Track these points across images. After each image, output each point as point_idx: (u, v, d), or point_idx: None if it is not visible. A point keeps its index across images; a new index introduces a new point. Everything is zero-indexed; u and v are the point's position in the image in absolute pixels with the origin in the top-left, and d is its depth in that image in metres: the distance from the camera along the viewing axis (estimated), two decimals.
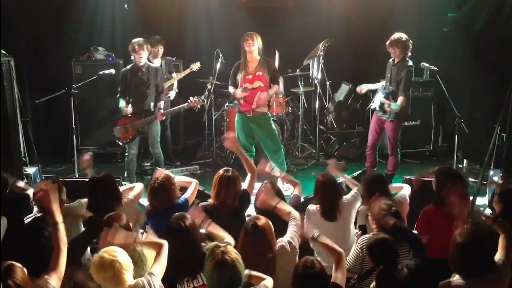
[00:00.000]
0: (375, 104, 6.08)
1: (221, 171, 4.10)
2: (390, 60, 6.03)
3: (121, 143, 6.26)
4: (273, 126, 6.16)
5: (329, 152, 7.66)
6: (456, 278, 2.98)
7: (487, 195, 5.75)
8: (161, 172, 4.26)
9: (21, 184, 4.58)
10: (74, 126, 6.19)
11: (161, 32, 7.17)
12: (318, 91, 7.50)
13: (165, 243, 3.20)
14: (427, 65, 6.18)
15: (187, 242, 3.27)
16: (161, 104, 6.21)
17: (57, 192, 3.01)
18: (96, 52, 7.38)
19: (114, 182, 4.25)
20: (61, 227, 2.93)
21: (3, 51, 5.77)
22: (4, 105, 5.54)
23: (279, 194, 4.19)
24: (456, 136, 5.80)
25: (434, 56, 7.22)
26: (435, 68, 6.14)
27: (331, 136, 7.84)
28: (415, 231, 3.94)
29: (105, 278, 2.77)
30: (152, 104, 6.16)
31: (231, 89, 6.09)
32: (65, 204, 4.04)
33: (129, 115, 6.08)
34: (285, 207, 3.82)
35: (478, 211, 4.53)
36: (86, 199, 4.11)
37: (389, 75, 5.96)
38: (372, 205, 3.68)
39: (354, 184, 4.42)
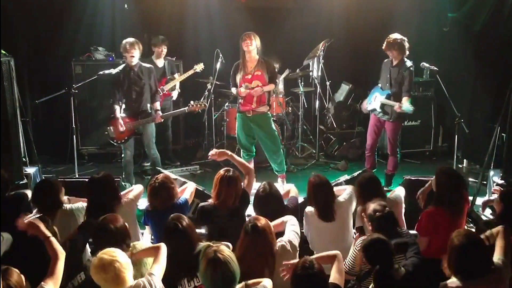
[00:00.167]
0: (374, 105, 6.06)
1: (221, 171, 4.10)
2: (386, 60, 6.03)
3: (115, 143, 6.21)
4: (273, 126, 6.16)
5: (329, 152, 7.66)
6: (454, 280, 2.98)
7: (487, 195, 5.75)
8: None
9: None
10: (74, 126, 6.19)
11: (161, 32, 7.18)
12: (318, 91, 7.50)
13: (163, 245, 3.20)
14: (427, 65, 6.18)
15: (184, 243, 3.28)
16: (157, 104, 6.15)
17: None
18: (96, 52, 7.38)
19: (114, 182, 4.26)
20: (53, 239, 3.03)
21: (3, 51, 5.76)
22: (4, 105, 5.53)
23: (277, 194, 4.20)
24: (456, 136, 5.79)
25: (434, 56, 7.21)
26: (435, 68, 6.14)
27: (331, 136, 7.83)
28: (415, 232, 3.96)
29: (106, 279, 2.77)
30: (148, 105, 6.11)
31: (233, 90, 6.09)
32: (66, 205, 4.05)
33: (124, 115, 6.02)
34: (275, 222, 3.76)
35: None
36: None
37: (388, 76, 5.94)
38: (366, 206, 3.68)
39: (343, 190, 4.39)
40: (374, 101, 6.07)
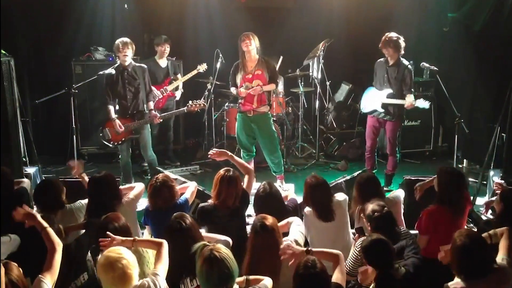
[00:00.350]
0: (373, 106, 6.04)
1: (222, 171, 4.10)
2: (380, 61, 6.05)
3: (111, 145, 6.10)
4: (273, 126, 6.16)
5: (329, 152, 7.66)
6: (457, 281, 2.97)
7: (487, 195, 5.75)
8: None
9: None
10: (74, 126, 6.17)
11: (161, 32, 7.16)
12: (318, 91, 7.50)
13: (164, 242, 3.20)
14: (427, 65, 6.18)
15: (188, 241, 3.27)
16: (151, 104, 6.08)
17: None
18: (96, 52, 7.37)
19: (115, 181, 4.25)
20: (50, 230, 3.00)
21: (3, 51, 5.76)
22: (4, 105, 5.53)
23: (277, 194, 4.20)
24: (456, 136, 5.79)
25: (434, 56, 7.21)
26: (435, 68, 6.14)
27: (331, 136, 7.84)
28: (415, 231, 3.96)
29: (114, 277, 2.74)
30: (145, 105, 6.06)
31: (233, 90, 6.08)
32: (66, 205, 4.04)
33: (116, 115, 5.93)
34: (280, 223, 3.76)
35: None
36: (86, 200, 4.11)
37: (385, 75, 5.94)
38: (365, 206, 3.68)
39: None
40: (372, 102, 6.05)
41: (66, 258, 3.02)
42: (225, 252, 2.79)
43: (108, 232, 3.20)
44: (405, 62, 5.87)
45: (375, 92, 6.07)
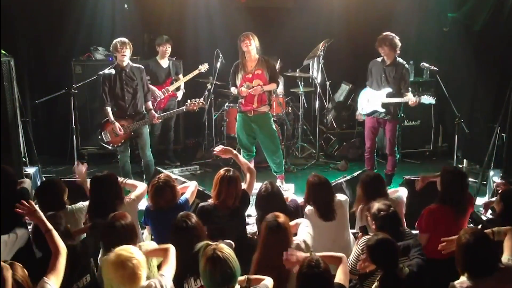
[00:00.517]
0: (372, 107, 6.04)
1: (222, 171, 4.10)
2: (375, 61, 6.04)
3: (110, 147, 6.05)
4: (273, 126, 6.16)
5: (329, 152, 7.66)
6: (463, 280, 2.96)
7: (487, 195, 5.76)
8: None
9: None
10: (74, 126, 6.16)
11: (161, 32, 7.17)
12: (318, 91, 7.50)
13: (171, 246, 3.20)
14: (427, 65, 6.18)
15: (192, 241, 3.26)
16: (149, 104, 6.07)
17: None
18: (96, 52, 7.37)
19: (117, 181, 4.22)
20: (55, 233, 2.98)
21: (3, 51, 5.76)
22: (4, 105, 5.52)
23: (279, 194, 4.21)
24: (456, 136, 5.79)
25: (434, 56, 7.22)
26: (435, 68, 6.14)
27: (331, 136, 7.84)
28: (416, 231, 3.96)
29: (123, 276, 2.71)
30: (143, 106, 6.03)
31: (233, 89, 6.08)
32: (67, 206, 4.04)
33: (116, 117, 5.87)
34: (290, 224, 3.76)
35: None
36: (87, 202, 4.09)
37: (383, 75, 5.93)
38: (371, 205, 3.68)
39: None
40: (371, 103, 6.04)
41: (71, 260, 2.99)
42: (228, 252, 2.79)
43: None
44: (402, 61, 5.88)
45: (372, 92, 6.04)
